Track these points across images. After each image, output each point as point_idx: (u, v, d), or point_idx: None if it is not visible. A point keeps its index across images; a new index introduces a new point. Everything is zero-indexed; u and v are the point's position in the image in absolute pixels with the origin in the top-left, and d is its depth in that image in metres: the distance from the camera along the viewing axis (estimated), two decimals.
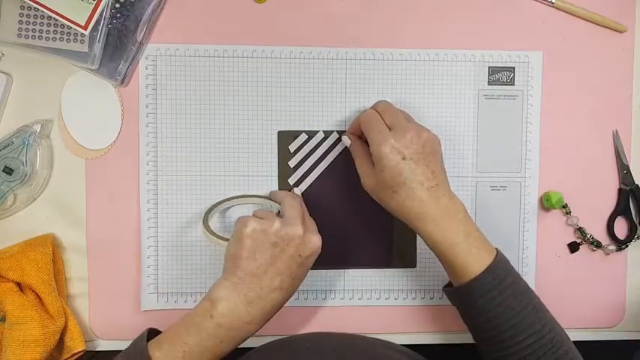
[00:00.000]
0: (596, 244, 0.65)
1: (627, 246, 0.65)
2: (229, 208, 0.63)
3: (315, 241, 0.54)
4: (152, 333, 0.53)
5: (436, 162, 0.54)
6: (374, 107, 0.58)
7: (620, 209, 0.65)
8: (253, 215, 0.55)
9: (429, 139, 0.54)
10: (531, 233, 0.65)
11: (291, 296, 0.54)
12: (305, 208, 0.59)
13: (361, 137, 0.60)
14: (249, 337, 0.53)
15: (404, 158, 0.52)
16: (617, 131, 0.65)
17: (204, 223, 0.59)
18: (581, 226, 0.65)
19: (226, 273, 0.53)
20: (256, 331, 0.53)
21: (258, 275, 0.52)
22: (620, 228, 0.66)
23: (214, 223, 0.62)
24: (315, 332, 0.64)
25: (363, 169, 0.58)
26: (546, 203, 0.64)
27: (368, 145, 0.56)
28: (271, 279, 0.52)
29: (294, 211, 0.55)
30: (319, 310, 0.64)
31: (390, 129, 0.54)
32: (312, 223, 0.57)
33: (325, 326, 0.64)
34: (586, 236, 0.65)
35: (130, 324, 0.62)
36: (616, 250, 0.65)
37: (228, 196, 0.62)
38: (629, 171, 0.65)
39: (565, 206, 0.64)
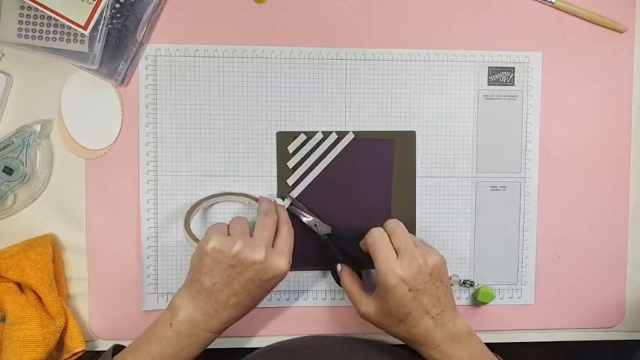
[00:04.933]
0: None
1: None
2: (212, 205, 0.62)
3: (279, 265, 0.53)
4: (118, 348, 0.56)
5: (442, 286, 0.54)
6: (384, 226, 0.56)
7: None
8: (229, 225, 0.56)
9: (436, 264, 0.53)
10: (531, 233, 0.65)
11: (250, 310, 0.55)
12: (284, 220, 0.58)
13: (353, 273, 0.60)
14: (210, 343, 0.55)
15: (410, 290, 0.52)
16: None
17: (185, 226, 0.59)
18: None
19: (188, 281, 0.54)
20: (217, 337, 0.55)
21: (213, 292, 0.52)
22: None
23: (196, 222, 0.62)
24: (310, 336, 0.64)
25: (357, 297, 0.57)
26: (481, 298, 0.64)
27: (358, 275, 0.59)
28: (227, 297, 0.53)
29: (264, 232, 0.54)
30: (319, 311, 0.64)
31: (397, 253, 0.53)
32: (284, 243, 0.55)
33: (325, 326, 0.64)
34: None
35: (130, 324, 0.62)
36: None
37: (210, 194, 0.62)
38: None
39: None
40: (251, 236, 0.54)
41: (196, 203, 0.61)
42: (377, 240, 0.54)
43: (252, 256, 0.52)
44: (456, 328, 0.54)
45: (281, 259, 0.53)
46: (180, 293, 0.54)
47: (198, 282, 0.53)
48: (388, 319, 0.54)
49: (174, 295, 0.55)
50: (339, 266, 0.60)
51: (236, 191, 0.63)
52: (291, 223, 0.58)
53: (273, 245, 0.55)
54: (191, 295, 0.53)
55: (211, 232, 0.54)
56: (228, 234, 0.54)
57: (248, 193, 0.63)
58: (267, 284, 0.54)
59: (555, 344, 0.66)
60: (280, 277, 0.54)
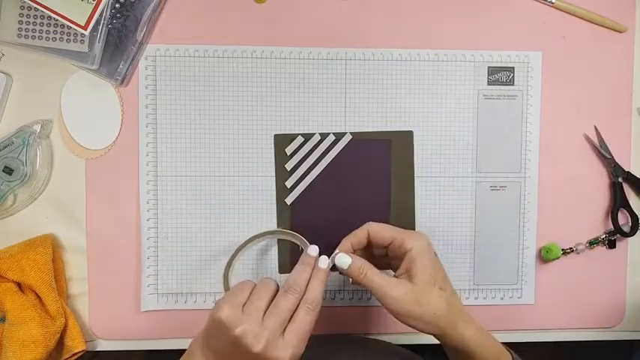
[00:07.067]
0: (609, 243, 0.65)
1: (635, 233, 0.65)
2: (259, 243, 0.62)
3: (279, 358, 0.47)
4: None
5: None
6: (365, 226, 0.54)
7: (619, 202, 0.65)
8: (252, 290, 0.50)
9: None
10: (531, 233, 0.65)
11: None
12: (308, 300, 0.50)
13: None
14: None
15: (435, 254, 0.52)
16: (596, 127, 0.65)
17: (224, 275, 0.60)
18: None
19: (204, 329, 0.51)
20: None
21: (217, 357, 0.49)
22: (623, 220, 0.66)
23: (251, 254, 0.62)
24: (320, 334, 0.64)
25: (383, 282, 0.51)
26: (546, 255, 0.64)
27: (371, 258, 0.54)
28: None
29: (273, 320, 0.48)
30: (320, 311, 0.64)
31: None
32: (295, 333, 0.48)
33: (326, 326, 0.64)
34: (596, 243, 0.65)
35: (130, 324, 0.62)
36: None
37: (251, 236, 0.61)
38: (616, 163, 0.65)
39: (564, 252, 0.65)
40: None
41: (241, 246, 0.60)
42: (379, 225, 0.53)
43: (252, 345, 0.47)
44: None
45: (284, 352, 0.47)
46: (197, 339, 0.51)
47: (206, 341, 0.50)
48: (428, 292, 0.50)
49: (194, 337, 0.51)
50: (343, 257, 0.53)
51: (286, 230, 0.61)
52: (320, 301, 0.51)
53: (283, 331, 0.48)
54: (202, 345, 0.50)
55: (226, 298, 0.49)
56: (245, 303, 0.49)
57: (289, 230, 0.61)
58: None
59: (555, 344, 0.66)
60: None
